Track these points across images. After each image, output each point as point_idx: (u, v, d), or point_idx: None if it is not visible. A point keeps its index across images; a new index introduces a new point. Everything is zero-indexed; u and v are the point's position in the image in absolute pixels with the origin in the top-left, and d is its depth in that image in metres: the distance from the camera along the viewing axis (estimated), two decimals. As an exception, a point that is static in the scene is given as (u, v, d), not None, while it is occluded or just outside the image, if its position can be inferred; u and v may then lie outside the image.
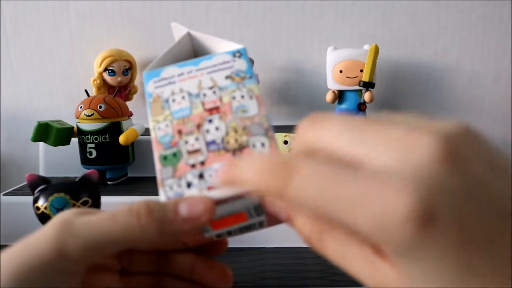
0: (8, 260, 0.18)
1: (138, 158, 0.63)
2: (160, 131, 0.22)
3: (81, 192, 0.42)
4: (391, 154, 0.15)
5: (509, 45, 0.73)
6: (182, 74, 0.23)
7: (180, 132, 0.22)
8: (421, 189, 0.13)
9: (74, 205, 0.41)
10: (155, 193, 0.59)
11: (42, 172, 0.65)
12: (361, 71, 0.65)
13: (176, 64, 0.24)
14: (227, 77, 0.23)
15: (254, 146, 0.21)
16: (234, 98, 0.22)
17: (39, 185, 0.42)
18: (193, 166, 0.21)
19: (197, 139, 0.22)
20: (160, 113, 0.23)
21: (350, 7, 0.72)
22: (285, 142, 0.62)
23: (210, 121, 0.22)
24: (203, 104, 0.22)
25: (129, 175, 0.62)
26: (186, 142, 0.22)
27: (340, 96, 0.68)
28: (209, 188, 0.21)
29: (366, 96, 0.65)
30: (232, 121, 0.22)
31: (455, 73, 0.75)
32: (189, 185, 0.21)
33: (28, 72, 0.76)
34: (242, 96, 0.22)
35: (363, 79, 0.65)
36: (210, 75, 0.23)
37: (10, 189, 0.57)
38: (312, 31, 0.73)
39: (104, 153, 0.56)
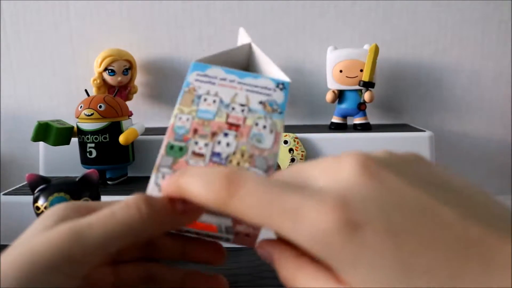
0: (14, 264, 0.18)
1: (138, 158, 0.63)
2: (179, 121, 0.23)
3: (81, 191, 0.42)
4: (324, 178, 0.17)
5: (509, 45, 0.73)
6: (224, 79, 0.24)
7: (196, 131, 0.22)
8: (342, 201, 0.15)
9: (74, 205, 0.41)
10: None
11: (42, 172, 0.65)
12: (361, 70, 0.65)
13: (224, 68, 0.24)
14: (260, 102, 0.23)
15: None
16: (256, 124, 0.23)
17: (39, 184, 0.42)
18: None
19: (206, 145, 0.22)
20: (188, 105, 0.23)
21: (350, 7, 0.72)
22: (285, 142, 0.62)
23: (226, 135, 0.22)
24: (227, 116, 0.23)
25: (129, 175, 0.62)
26: (196, 143, 0.22)
27: (340, 95, 0.68)
28: None
29: (366, 95, 0.65)
30: (244, 145, 0.22)
31: (455, 72, 0.75)
32: None
33: (28, 71, 0.76)
34: (264, 127, 0.23)
35: (363, 79, 0.65)
36: (247, 93, 0.23)
37: (10, 189, 0.57)
38: (312, 31, 0.73)
39: (104, 153, 0.56)
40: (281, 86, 0.24)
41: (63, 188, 0.42)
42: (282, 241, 0.19)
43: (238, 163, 0.22)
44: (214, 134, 0.22)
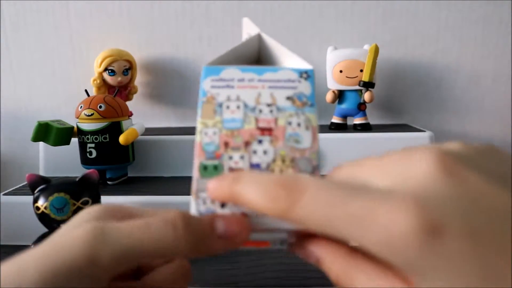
0: (37, 260, 0.17)
1: (138, 158, 0.63)
2: (206, 137, 0.21)
3: (81, 192, 0.42)
4: (390, 177, 0.15)
5: (509, 45, 0.73)
6: (242, 79, 0.22)
7: (226, 144, 0.21)
8: (421, 202, 0.14)
9: (74, 205, 0.41)
10: (155, 193, 0.59)
11: (42, 172, 0.65)
12: (361, 71, 0.65)
13: (239, 66, 0.22)
14: (288, 98, 0.21)
15: None
16: (290, 123, 0.21)
17: (39, 185, 0.42)
18: None
19: (242, 157, 0.20)
20: (210, 116, 0.21)
21: (350, 7, 0.72)
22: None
23: (260, 142, 0.21)
24: (257, 120, 0.21)
25: (129, 175, 0.62)
26: (230, 158, 0.20)
27: (340, 96, 0.68)
28: (243, 214, 0.19)
29: (366, 96, 0.65)
30: (282, 149, 0.20)
31: (455, 73, 0.75)
32: (223, 205, 0.20)
33: (28, 71, 0.76)
34: (299, 124, 0.21)
35: (363, 79, 0.65)
36: (271, 90, 0.21)
37: (10, 189, 0.57)
38: (312, 31, 0.73)
39: (104, 153, 0.56)
40: (305, 75, 0.22)
41: (63, 188, 0.42)
42: (328, 239, 0.18)
43: (281, 171, 0.20)
44: (247, 144, 0.20)
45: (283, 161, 0.20)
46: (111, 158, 0.57)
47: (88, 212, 0.20)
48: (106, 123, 0.56)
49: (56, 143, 0.56)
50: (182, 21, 0.74)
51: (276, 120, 0.21)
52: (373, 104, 0.74)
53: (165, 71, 0.75)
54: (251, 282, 0.40)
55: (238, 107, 0.21)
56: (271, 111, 0.21)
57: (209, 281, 0.41)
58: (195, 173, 0.20)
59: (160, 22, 0.74)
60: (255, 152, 0.20)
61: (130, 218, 0.20)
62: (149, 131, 0.66)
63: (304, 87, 0.22)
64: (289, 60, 0.23)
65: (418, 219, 0.13)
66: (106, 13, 0.73)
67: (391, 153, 0.17)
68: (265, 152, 0.20)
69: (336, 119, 0.68)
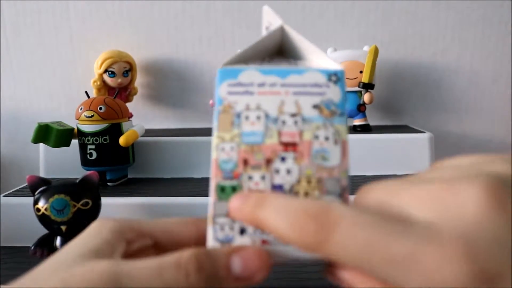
0: None
1: (138, 159, 0.63)
2: (223, 153, 0.19)
3: (82, 193, 0.42)
4: (434, 209, 0.14)
5: (508, 46, 0.73)
6: (263, 84, 0.19)
7: (246, 162, 0.18)
8: (473, 246, 0.12)
9: (74, 206, 0.41)
10: (155, 194, 0.59)
11: (42, 173, 0.65)
12: (361, 72, 0.65)
13: (259, 68, 0.20)
14: (314, 107, 0.19)
15: None
16: (317, 137, 0.18)
17: (39, 186, 0.42)
18: None
19: (263, 177, 0.18)
20: (228, 129, 0.19)
21: (350, 8, 0.73)
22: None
23: (283, 159, 0.18)
24: (279, 134, 0.19)
25: (129, 176, 0.62)
26: (250, 178, 0.18)
27: (340, 97, 0.68)
28: (263, 241, 0.18)
29: (366, 97, 0.66)
30: (308, 168, 0.18)
31: (454, 73, 0.75)
32: (242, 231, 0.18)
33: (28, 73, 0.76)
34: (327, 138, 0.18)
35: (362, 80, 0.65)
36: (295, 97, 0.19)
37: (10, 191, 0.57)
38: (312, 32, 0.73)
39: (104, 154, 0.56)
40: (334, 78, 0.19)
41: (64, 189, 0.42)
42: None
43: (306, 194, 0.18)
44: (269, 162, 0.18)
45: (309, 182, 0.18)
46: (111, 160, 0.57)
47: (98, 234, 0.19)
48: (106, 125, 0.56)
49: (56, 145, 0.56)
50: (182, 22, 0.74)
51: (301, 133, 0.19)
52: (373, 105, 0.74)
53: (165, 72, 0.75)
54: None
55: (258, 117, 0.19)
56: (295, 123, 0.19)
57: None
58: (212, 196, 0.18)
59: (160, 23, 0.74)
60: (277, 171, 0.18)
61: (140, 238, 0.19)
62: (149, 133, 0.66)
63: (333, 93, 0.19)
64: (315, 58, 0.21)
65: (469, 266, 0.12)
66: (106, 14, 0.74)
67: (429, 178, 0.15)
68: (288, 172, 0.18)
69: (336, 120, 0.68)
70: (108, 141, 0.56)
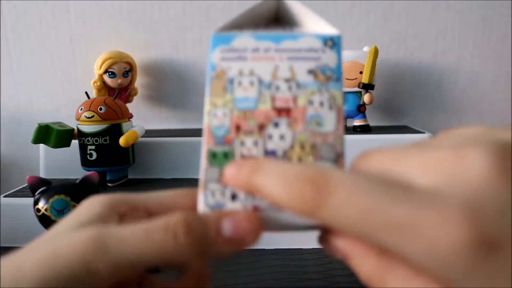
0: (34, 265, 0.16)
1: (138, 159, 0.63)
2: (215, 119, 0.18)
3: (82, 193, 0.42)
4: (439, 174, 0.13)
5: (508, 47, 0.73)
6: (257, 50, 0.19)
7: (238, 128, 0.18)
8: (475, 211, 0.12)
9: (74, 207, 0.42)
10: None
11: (42, 174, 0.65)
12: (361, 73, 0.65)
13: (253, 33, 0.19)
14: (309, 72, 0.18)
15: None
16: (311, 103, 0.18)
17: (39, 187, 0.43)
18: None
19: (255, 143, 0.18)
20: (220, 95, 0.18)
21: (350, 8, 0.73)
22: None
23: (276, 124, 0.18)
24: (273, 99, 0.18)
25: (129, 176, 0.63)
26: (243, 144, 0.18)
27: (339, 97, 0.68)
28: (255, 208, 0.17)
29: (366, 97, 0.66)
30: (302, 134, 0.18)
31: (454, 74, 0.75)
32: (233, 197, 0.18)
33: (28, 74, 0.76)
34: (321, 104, 0.18)
35: (362, 81, 0.65)
36: (290, 63, 0.19)
37: (11, 191, 0.58)
38: (311, 33, 0.73)
39: (105, 155, 0.57)
40: (330, 42, 0.19)
41: (64, 190, 0.42)
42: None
43: (299, 159, 0.18)
44: (261, 127, 0.18)
45: (302, 148, 0.18)
46: (111, 160, 0.57)
47: (89, 208, 0.19)
48: (106, 125, 0.56)
49: (56, 145, 0.56)
50: (182, 23, 0.74)
51: (295, 99, 0.18)
52: (373, 105, 0.74)
53: (165, 73, 0.75)
54: (251, 284, 0.40)
55: (251, 83, 0.18)
56: (289, 88, 0.18)
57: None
58: (203, 162, 0.18)
59: (160, 23, 0.74)
60: (270, 137, 0.18)
61: (133, 211, 0.19)
62: (149, 133, 0.66)
63: (329, 58, 0.19)
64: (313, 24, 0.20)
65: (471, 232, 0.12)
66: (107, 15, 0.74)
67: (436, 145, 0.14)
68: (282, 137, 0.18)
69: (335, 121, 0.68)
70: (108, 141, 0.56)
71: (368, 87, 0.65)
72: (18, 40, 0.75)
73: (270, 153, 0.18)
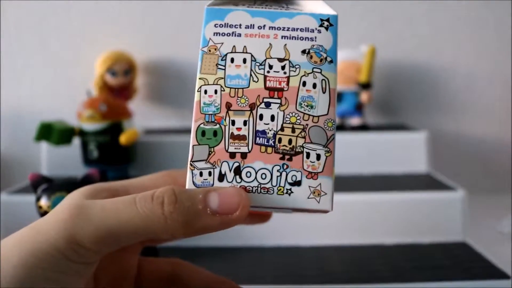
0: (16, 243, 0.16)
1: (139, 158, 0.63)
2: (206, 96, 0.18)
3: (83, 191, 0.43)
4: None
5: (504, 46, 0.74)
6: (251, 26, 0.18)
7: (228, 106, 0.18)
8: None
9: (76, 204, 0.42)
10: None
11: (44, 171, 0.65)
12: (359, 72, 0.66)
13: (248, 9, 0.18)
14: (304, 52, 0.18)
15: (308, 156, 0.17)
16: (304, 84, 0.18)
17: (41, 184, 0.43)
18: (232, 155, 0.18)
19: (245, 122, 0.18)
20: (212, 71, 0.18)
21: (348, 9, 0.73)
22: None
23: (267, 105, 0.18)
24: (265, 78, 0.18)
25: (130, 175, 0.63)
26: (233, 123, 0.18)
27: (338, 96, 0.69)
28: (243, 188, 0.17)
29: (364, 96, 0.66)
30: (293, 115, 0.18)
31: (451, 73, 0.75)
32: (221, 177, 0.18)
33: (30, 72, 0.77)
34: (314, 85, 0.18)
35: (360, 80, 0.65)
36: (284, 41, 0.18)
37: (12, 188, 0.58)
38: (310, 33, 0.74)
39: (106, 153, 0.57)
40: (326, 23, 0.18)
41: (66, 187, 0.42)
42: None
43: (289, 141, 0.17)
44: (252, 107, 0.18)
45: (293, 130, 0.17)
46: (112, 159, 0.58)
47: (76, 192, 0.19)
48: (107, 124, 0.57)
49: (58, 143, 0.57)
50: (183, 23, 0.74)
51: (288, 80, 0.18)
52: (370, 104, 0.74)
53: (166, 72, 0.76)
54: (250, 280, 0.41)
55: (244, 60, 0.18)
56: (282, 67, 0.18)
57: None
58: (192, 139, 0.18)
59: (161, 23, 0.75)
60: (261, 117, 0.18)
61: (115, 197, 0.19)
62: (150, 132, 0.67)
63: (325, 39, 0.18)
64: (311, 5, 0.20)
65: None
66: (108, 15, 0.74)
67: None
68: (272, 118, 0.18)
69: (334, 120, 0.69)
70: (109, 140, 0.57)
71: (365, 86, 0.65)
72: (21, 39, 0.76)
73: (260, 133, 0.18)
